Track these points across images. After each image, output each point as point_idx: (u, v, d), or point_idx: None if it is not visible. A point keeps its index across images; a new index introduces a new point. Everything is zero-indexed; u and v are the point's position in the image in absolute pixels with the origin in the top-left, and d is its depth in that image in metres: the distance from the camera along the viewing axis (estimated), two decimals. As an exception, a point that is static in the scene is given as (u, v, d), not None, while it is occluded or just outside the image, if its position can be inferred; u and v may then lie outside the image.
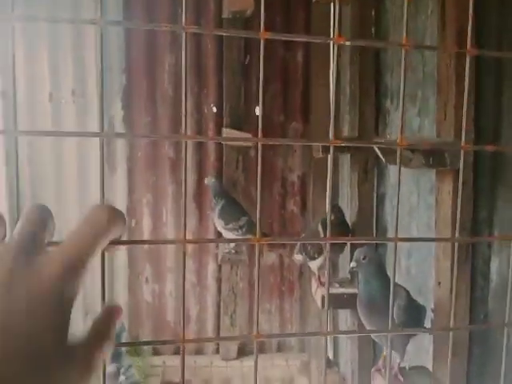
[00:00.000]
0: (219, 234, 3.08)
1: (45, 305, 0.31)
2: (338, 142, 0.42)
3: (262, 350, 3.30)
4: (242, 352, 3.20)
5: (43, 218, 0.35)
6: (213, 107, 3.22)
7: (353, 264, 1.65)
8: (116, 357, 2.24)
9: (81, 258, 0.33)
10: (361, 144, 1.76)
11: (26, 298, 0.31)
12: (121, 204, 3.14)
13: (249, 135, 2.84)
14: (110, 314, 0.37)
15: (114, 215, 0.35)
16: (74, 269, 0.33)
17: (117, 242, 0.38)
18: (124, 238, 0.39)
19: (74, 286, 0.33)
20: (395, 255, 0.43)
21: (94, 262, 0.37)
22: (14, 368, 0.29)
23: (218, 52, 3.16)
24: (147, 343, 0.43)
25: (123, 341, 1.95)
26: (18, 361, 0.29)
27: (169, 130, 3.16)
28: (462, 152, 0.49)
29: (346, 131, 2.69)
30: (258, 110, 3.13)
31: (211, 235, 3.22)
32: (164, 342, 0.43)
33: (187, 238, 0.41)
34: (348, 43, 0.41)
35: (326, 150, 2.47)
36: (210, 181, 2.75)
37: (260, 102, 0.41)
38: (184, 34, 0.37)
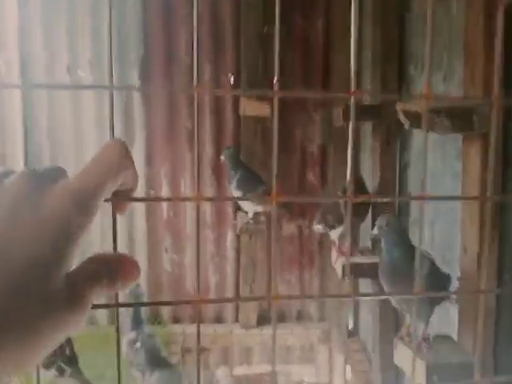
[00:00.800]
0: (237, 205, 3.07)
1: (49, 228, 0.31)
2: (358, 92, 0.40)
3: (281, 319, 3.31)
4: (262, 320, 3.21)
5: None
6: (231, 77, 3.17)
7: (375, 231, 1.62)
8: (136, 324, 2.26)
9: (92, 191, 0.33)
10: (384, 97, 1.71)
11: (32, 222, 0.31)
12: (139, 175, 3.12)
13: (266, 105, 2.79)
14: (118, 263, 0.35)
15: (125, 149, 0.36)
16: (84, 200, 0.33)
17: (133, 199, 0.38)
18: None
19: (83, 218, 0.33)
20: (422, 215, 0.40)
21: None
22: (7, 293, 0.29)
23: (235, 22, 3.09)
24: (163, 303, 0.42)
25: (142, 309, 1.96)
26: (12, 286, 0.29)
27: (186, 99, 3.12)
28: (496, 105, 0.45)
29: (367, 99, 2.62)
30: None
31: (229, 206, 3.21)
32: (179, 303, 0.42)
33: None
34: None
35: (346, 117, 2.41)
36: (227, 152, 2.73)
37: (276, 61, 0.41)
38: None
